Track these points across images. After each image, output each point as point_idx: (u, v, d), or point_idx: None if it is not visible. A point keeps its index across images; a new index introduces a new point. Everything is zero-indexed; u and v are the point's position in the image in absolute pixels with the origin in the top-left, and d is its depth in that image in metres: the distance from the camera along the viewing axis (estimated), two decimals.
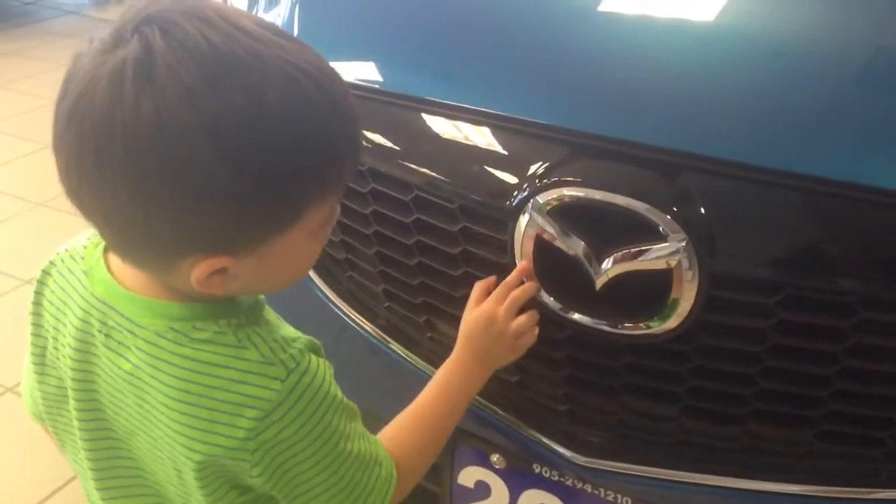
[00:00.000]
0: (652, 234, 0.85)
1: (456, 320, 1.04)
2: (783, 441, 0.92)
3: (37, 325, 0.82)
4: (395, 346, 1.12)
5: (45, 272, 0.82)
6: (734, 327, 0.87)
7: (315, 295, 1.18)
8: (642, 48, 0.94)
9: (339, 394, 0.76)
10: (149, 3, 0.64)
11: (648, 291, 0.87)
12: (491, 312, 0.92)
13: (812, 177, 0.81)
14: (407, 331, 1.12)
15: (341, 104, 0.67)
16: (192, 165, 0.61)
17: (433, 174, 0.98)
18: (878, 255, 0.83)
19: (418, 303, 1.08)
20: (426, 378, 1.08)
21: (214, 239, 0.65)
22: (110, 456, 0.80)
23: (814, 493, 0.91)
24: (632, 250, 0.86)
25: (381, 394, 1.12)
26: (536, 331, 0.95)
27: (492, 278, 0.96)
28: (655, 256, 0.85)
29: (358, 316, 1.15)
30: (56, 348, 0.80)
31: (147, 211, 0.63)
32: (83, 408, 0.79)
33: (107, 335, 0.74)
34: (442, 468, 1.10)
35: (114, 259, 0.76)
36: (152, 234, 0.64)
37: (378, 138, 1.03)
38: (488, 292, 0.95)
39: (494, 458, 1.06)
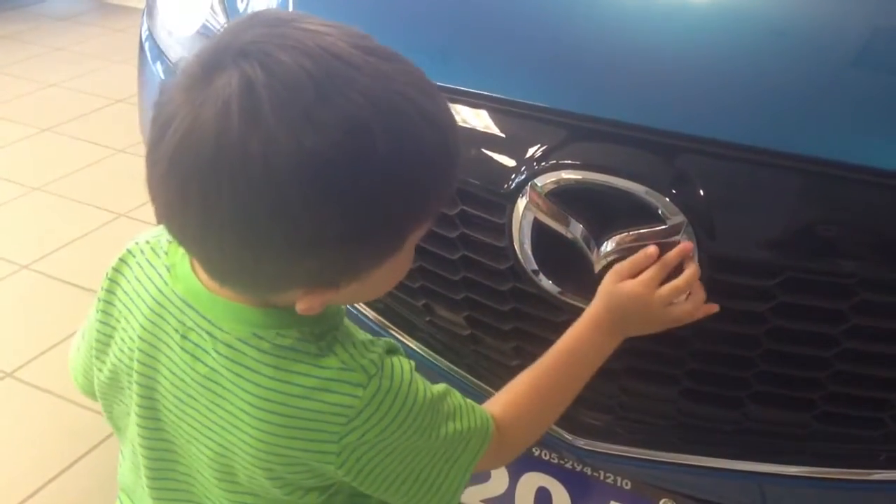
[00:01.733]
0: (651, 216, 0.85)
1: (454, 304, 1.04)
2: (783, 423, 0.93)
3: (107, 312, 0.80)
4: (393, 330, 1.12)
5: (122, 260, 0.80)
6: (733, 310, 0.87)
7: None
8: (640, 30, 0.93)
9: (423, 388, 0.74)
10: (237, 30, 0.62)
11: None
12: (644, 298, 0.85)
13: (811, 158, 0.81)
14: (405, 315, 1.12)
15: (447, 133, 0.65)
16: (301, 210, 0.59)
17: None
18: (878, 237, 0.82)
19: (416, 287, 1.07)
20: (424, 361, 1.08)
21: (322, 277, 0.65)
22: (165, 458, 0.79)
23: (813, 475, 0.91)
24: (631, 233, 0.86)
25: None
26: (700, 311, 0.86)
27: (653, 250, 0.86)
28: (654, 239, 0.85)
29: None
30: (123, 340, 0.78)
31: (255, 256, 0.62)
32: (144, 404, 0.78)
33: (183, 336, 0.73)
34: None
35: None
36: (258, 277, 0.64)
37: None
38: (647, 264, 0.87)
39: None
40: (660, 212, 0.84)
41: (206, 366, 0.72)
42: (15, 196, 2.82)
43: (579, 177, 0.87)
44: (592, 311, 0.88)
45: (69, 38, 4.28)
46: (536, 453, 1.03)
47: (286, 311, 0.70)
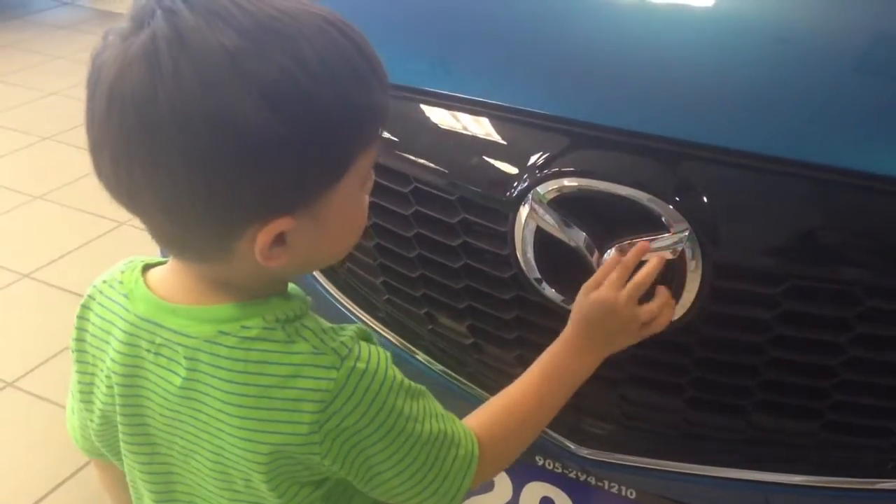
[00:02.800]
0: (654, 224, 0.84)
1: (457, 313, 1.03)
2: (788, 432, 0.92)
3: (81, 361, 0.81)
4: (395, 338, 1.11)
5: (85, 306, 0.80)
6: (738, 318, 0.86)
7: (314, 288, 1.17)
8: (642, 37, 0.93)
9: (400, 376, 0.74)
10: None
11: (651, 282, 0.86)
12: (610, 300, 0.85)
13: (815, 165, 0.81)
14: (407, 323, 1.11)
15: (365, 49, 0.67)
16: (242, 122, 0.60)
17: (432, 166, 0.97)
18: (883, 244, 0.82)
19: (418, 295, 1.07)
20: (426, 370, 1.07)
21: (274, 199, 0.65)
22: (167, 481, 0.79)
23: (820, 484, 0.91)
24: (634, 241, 0.85)
25: None
26: (671, 312, 0.87)
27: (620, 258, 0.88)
28: (658, 247, 0.84)
29: (357, 309, 1.14)
30: (101, 381, 0.78)
31: (207, 180, 0.62)
32: (134, 432, 0.78)
33: (156, 353, 0.73)
34: None
35: (152, 277, 0.76)
36: (213, 208, 0.64)
37: None
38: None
39: None
40: (663, 219, 0.84)
41: (181, 377, 0.72)
42: (16, 205, 2.82)
43: (581, 184, 0.87)
44: (566, 330, 0.88)
45: (70, 46, 4.29)
46: (540, 462, 1.03)
47: (248, 303, 0.71)
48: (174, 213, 0.65)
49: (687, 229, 0.83)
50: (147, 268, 0.77)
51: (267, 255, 0.67)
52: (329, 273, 1.16)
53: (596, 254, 0.88)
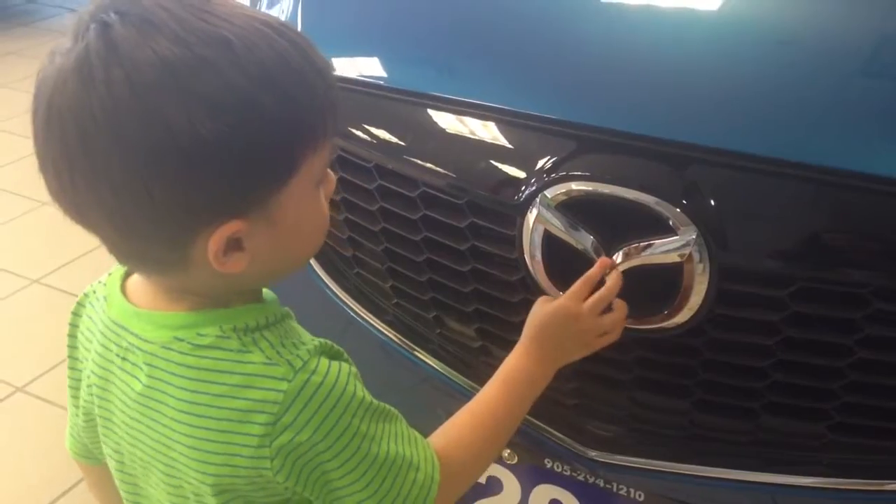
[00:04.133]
0: (662, 227, 0.85)
1: (465, 316, 1.04)
2: (797, 434, 0.92)
3: (73, 357, 0.82)
4: (403, 342, 1.12)
5: (79, 304, 0.81)
6: (746, 320, 0.86)
7: (323, 292, 1.18)
8: (648, 40, 0.93)
9: (364, 394, 0.72)
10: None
11: (659, 285, 0.86)
12: (572, 310, 0.87)
13: (823, 168, 0.81)
14: (416, 327, 1.12)
15: (306, 50, 0.67)
16: (178, 126, 0.60)
17: (440, 170, 0.98)
18: (891, 246, 0.82)
19: (427, 299, 1.07)
20: (434, 373, 1.08)
21: (220, 202, 0.64)
22: (135, 492, 0.79)
23: (828, 486, 0.91)
24: (641, 244, 0.86)
25: (391, 391, 1.12)
26: (622, 326, 0.89)
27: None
28: (665, 250, 0.85)
29: (366, 313, 1.14)
30: (85, 378, 0.79)
31: (147, 186, 0.61)
32: (108, 437, 0.78)
33: (123, 358, 0.73)
34: None
35: (131, 281, 0.76)
36: (159, 215, 0.63)
37: (384, 134, 1.03)
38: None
39: (506, 453, 1.05)
40: (670, 222, 0.84)
41: (140, 383, 0.72)
42: (25, 210, 2.83)
43: (589, 188, 0.87)
44: (523, 337, 0.89)
45: None
46: (549, 465, 1.03)
47: (208, 310, 0.71)
48: (122, 225, 0.65)
49: (694, 232, 0.83)
50: (130, 272, 0.77)
51: (222, 260, 0.66)
52: (338, 277, 1.17)
53: (604, 257, 0.88)
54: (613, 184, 0.86)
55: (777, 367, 0.88)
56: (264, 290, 0.77)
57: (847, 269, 0.82)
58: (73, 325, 0.82)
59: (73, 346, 0.82)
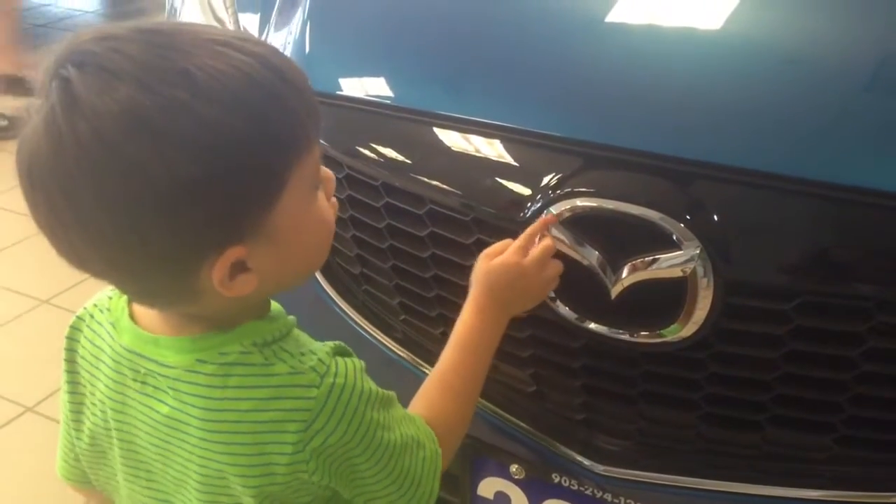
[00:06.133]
0: (666, 242, 0.86)
1: None
2: (802, 447, 0.92)
3: (73, 381, 0.82)
4: (412, 357, 1.12)
5: (74, 328, 0.81)
6: (751, 334, 0.87)
7: (331, 309, 1.19)
8: (652, 58, 0.95)
9: (373, 386, 0.76)
10: (58, 46, 0.63)
11: (664, 300, 0.87)
12: (515, 265, 0.89)
13: (825, 183, 0.82)
14: (423, 343, 1.13)
15: (270, 60, 0.65)
16: (154, 172, 0.59)
17: (447, 187, 0.99)
18: (893, 260, 0.83)
19: (434, 315, 1.08)
20: None
21: (214, 235, 0.64)
22: None
23: (834, 499, 0.91)
24: (646, 259, 0.87)
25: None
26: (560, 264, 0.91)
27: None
28: (670, 265, 0.86)
29: (374, 329, 1.15)
30: (94, 403, 0.80)
31: (137, 231, 0.62)
32: (130, 462, 0.79)
33: (142, 383, 0.74)
34: (461, 479, 1.11)
35: (139, 307, 0.76)
36: (154, 256, 0.63)
37: (391, 153, 1.04)
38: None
39: (513, 468, 1.06)
40: (675, 238, 0.85)
41: (167, 405, 0.73)
42: (34, 232, 2.84)
43: (594, 204, 0.88)
44: (472, 296, 0.91)
45: None
46: (556, 480, 1.03)
47: (226, 330, 0.71)
48: (125, 272, 0.66)
49: (698, 247, 0.84)
50: None
51: (229, 286, 0.66)
52: (346, 294, 1.18)
53: (610, 271, 0.89)
54: (618, 200, 0.87)
55: (782, 381, 0.88)
56: (274, 304, 0.78)
57: (850, 282, 0.83)
58: (70, 350, 0.81)
59: (72, 371, 0.82)
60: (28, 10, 4.98)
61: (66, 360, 0.82)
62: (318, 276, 1.18)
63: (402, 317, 1.13)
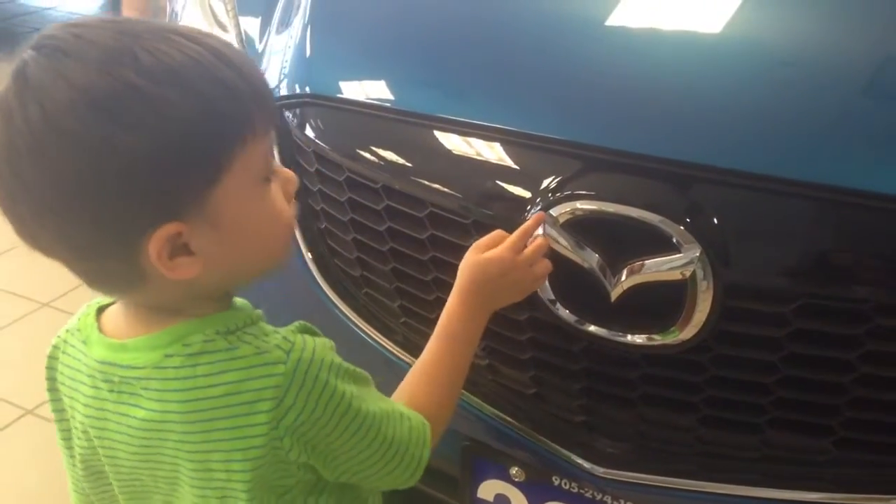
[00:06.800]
0: (666, 245, 0.86)
1: None
2: (802, 449, 0.93)
3: (57, 410, 0.83)
4: (412, 361, 1.12)
5: (51, 357, 0.82)
6: (750, 337, 0.87)
7: (331, 311, 1.19)
8: (652, 61, 0.95)
9: (342, 362, 0.76)
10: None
11: (664, 303, 0.87)
12: (508, 261, 0.90)
13: (825, 186, 0.82)
14: (423, 346, 1.12)
15: (220, 50, 0.68)
16: (94, 146, 0.62)
17: (447, 190, 0.99)
18: (892, 263, 0.83)
19: (435, 317, 1.08)
20: None
21: (153, 208, 0.65)
22: None
23: (834, 501, 0.91)
24: (645, 262, 0.87)
25: None
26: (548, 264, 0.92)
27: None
28: (669, 268, 0.86)
29: (375, 332, 1.15)
30: (76, 427, 0.80)
31: (82, 207, 0.64)
32: (122, 478, 0.79)
33: (118, 392, 0.74)
34: (461, 482, 1.11)
35: (106, 317, 0.77)
36: (100, 231, 0.66)
37: (391, 156, 1.05)
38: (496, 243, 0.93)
39: (513, 470, 1.06)
40: (674, 240, 0.85)
41: (143, 408, 0.73)
42: None
43: (594, 207, 0.89)
44: (457, 286, 0.92)
45: None
46: (556, 482, 1.03)
47: (187, 322, 0.72)
48: (72, 247, 0.68)
49: (698, 250, 0.84)
50: (102, 309, 0.79)
51: (169, 265, 0.67)
52: (346, 297, 1.18)
53: (609, 274, 0.89)
54: (618, 202, 0.87)
55: (781, 383, 0.89)
56: (237, 299, 0.79)
57: (849, 285, 0.83)
58: (51, 380, 0.82)
59: (55, 400, 0.82)
60: (29, 14, 5.00)
61: (48, 389, 0.82)
62: (319, 278, 1.18)
63: (403, 319, 1.13)
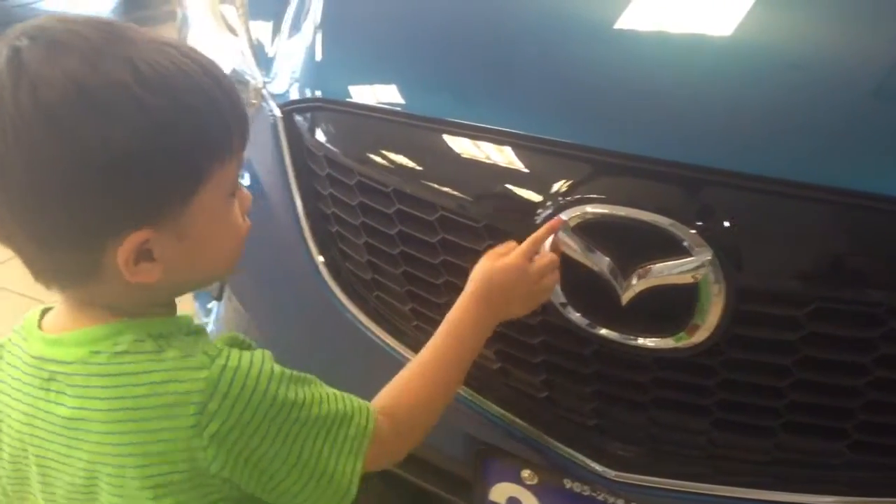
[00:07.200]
0: (677, 249, 0.86)
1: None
2: (815, 452, 0.92)
3: None
4: None
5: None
6: (762, 340, 0.87)
7: (342, 315, 1.19)
8: (663, 64, 0.95)
9: (279, 368, 0.75)
10: (17, 25, 0.67)
11: (675, 306, 0.87)
12: (521, 270, 0.89)
13: (837, 189, 0.82)
14: None
15: (209, 67, 0.70)
16: (87, 143, 0.63)
17: (458, 194, 0.99)
18: None
19: None
20: (455, 396, 1.08)
21: (130, 212, 0.67)
22: None
23: None
24: (657, 266, 0.87)
25: None
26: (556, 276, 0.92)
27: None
28: (681, 271, 0.86)
29: (386, 335, 1.15)
30: (10, 425, 0.77)
31: (60, 200, 0.65)
32: (47, 482, 0.76)
33: (47, 389, 0.73)
34: (473, 484, 1.11)
35: (48, 316, 0.77)
36: (71, 226, 0.66)
37: (402, 159, 1.05)
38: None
39: (525, 473, 1.06)
40: (685, 244, 0.85)
41: (66, 406, 0.72)
42: None
43: (605, 211, 0.88)
44: (470, 290, 0.91)
45: None
46: (568, 485, 1.03)
47: (123, 321, 0.72)
48: (36, 237, 0.68)
49: (709, 253, 0.84)
50: (46, 311, 0.78)
51: (133, 270, 0.69)
52: (357, 300, 1.18)
53: (620, 278, 0.89)
54: (628, 206, 0.87)
55: (794, 387, 0.88)
56: (181, 312, 0.79)
57: (862, 288, 0.83)
58: None
59: None
60: (40, 15, 5.01)
61: None
62: (330, 281, 1.18)
63: (414, 322, 1.14)
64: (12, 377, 0.77)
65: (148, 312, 0.75)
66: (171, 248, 0.70)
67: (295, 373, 0.77)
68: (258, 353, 0.75)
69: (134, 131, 0.64)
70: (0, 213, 0.67)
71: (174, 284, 0.75)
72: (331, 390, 0.80)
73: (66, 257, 0.69)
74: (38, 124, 0.63)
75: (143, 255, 0.69)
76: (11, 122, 0.63)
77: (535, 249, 0.91)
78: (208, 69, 0.70)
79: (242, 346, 0.76)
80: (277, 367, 0.75)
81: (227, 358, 0.72)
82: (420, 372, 0.89)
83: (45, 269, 0.72)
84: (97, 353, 0.71)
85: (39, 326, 0.76)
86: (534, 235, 0.90)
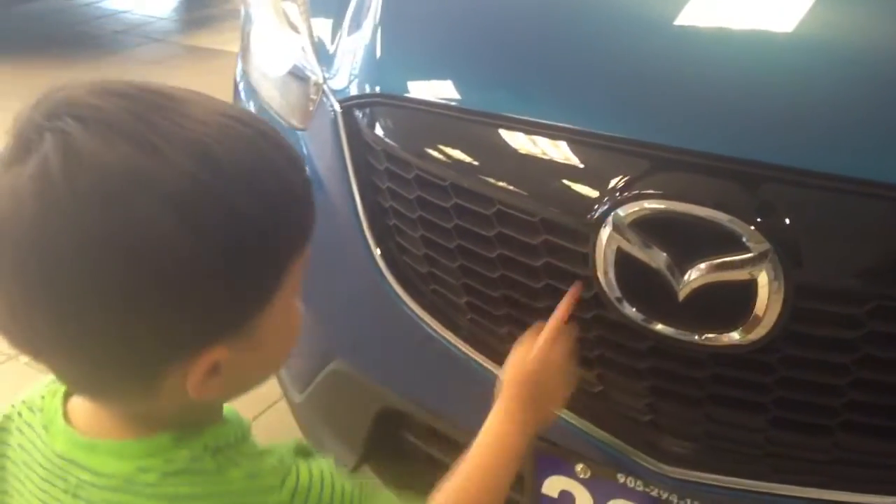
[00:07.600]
0: (735, 245, 0.85)
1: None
2: (875, 452, 0.91)
3: (2, 491, 0.72)
4: (478, 356, 1.14)
5: (2, 429, 0.71)
6: (822, 338, 0.86)
7: (399, 307, 1.21)
8: (721, 59, 0.94)
9: (343, 481, 0.68)
10: (45, 95, 0.56)
11: (733, 302, 0.87)
12: (551, 359, 0.91)
13: None
14: (489, 342, 1.14)
15: (272, 135, 0.62)
16: (159, 248, 0.54)
17: (514, 189, 1.00)
18: None
19: (501, 314, 1.10)
20: None
21: (206, 329, 0.58)
22: None
23: None
24: (715, 262, 0.87)
25: (464, 404, 1.14)
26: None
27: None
28: (739, 267, 0.85)
29: (442, 327, 1.17)
30: None
31: (125, 321, 0.55)
32: None
33: (73, 495, 0.64)
34: (525, 478, 1.12)
35: (74, 403, 0.68)
36: (133, 350, 0.57)
37: (459, 154, 1.06)
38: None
39: (579, 467, 1.06)
40: (744, 240, 0.85)
41: None
42: None
43: (662, 206, 0.88)
44: (503, 400, 0.91)
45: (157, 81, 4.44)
46: (622, 480, 1.04)
47: (176, 434, 0.64)
48: (87, 362, 0.58)
49: (769, 250, 0.84)
50: (70, 393, 0.68)
51: (202, 388, 0.60)
52: (414, 294, 1.20)
53: (677, 273, 0.89)
54: (686, 202, 0.87)
55: (854, 385, 0.87)
56: (226, 407, 0.71)
57: None
58: (1, 456, 0.71)
59: (1, 479, 0.72)
60: (106, 17, 5.16)
61: None
62: (387, 274, 1.20)
63: (469, 315, 1.15)
64: (26, 465, 0.68)
65: (199, 421, 0.66)
66: (240, 360, 0.61)
67: (359, 483, 0.70)
68: (323, 465, 0.68)
69: (217, 239, 0.55)
70: (46, 336, 0.56)
71: (234, 392, 0.67)
72: (389, 494, 0.78)
73: (118, 380, 0.60)
74: (98, 224, 0.53)
75: (211, 371, 0.60)
76: (64, 224, 0.53)
77: (557, 328, 0.93)
78: (272, 139, 0.61)
79: (306, 452, 0.70)
80: (340, 481, 0.68)
81: (297, 478, 0.65)
82: (461, 485, 0.85)
83: (89, 388, 0.63)
84: (144, 470, 0.62)
85: (66, 417, 0.67)
86: (553, 318, 0.92)
